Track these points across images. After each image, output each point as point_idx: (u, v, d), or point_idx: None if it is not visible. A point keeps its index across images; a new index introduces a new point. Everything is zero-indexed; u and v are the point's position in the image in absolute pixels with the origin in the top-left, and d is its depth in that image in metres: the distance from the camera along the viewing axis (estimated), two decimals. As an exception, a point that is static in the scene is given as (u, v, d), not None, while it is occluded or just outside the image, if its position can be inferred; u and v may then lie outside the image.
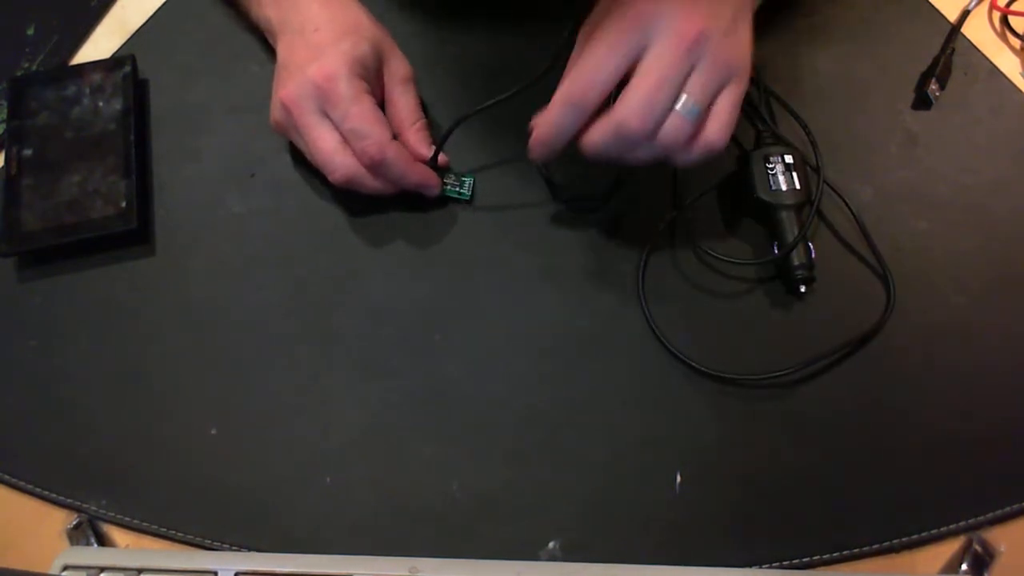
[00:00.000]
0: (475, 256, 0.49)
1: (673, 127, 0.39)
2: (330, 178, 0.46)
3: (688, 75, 0.39)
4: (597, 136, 0.40)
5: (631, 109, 0.39)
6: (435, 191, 0.49)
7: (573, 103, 0.40)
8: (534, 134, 0.43)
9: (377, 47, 0.47)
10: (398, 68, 0.49)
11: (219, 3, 0.56)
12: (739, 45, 0.40)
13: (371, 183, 0.47)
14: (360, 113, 0.45)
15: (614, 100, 0.40)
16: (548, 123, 0.42)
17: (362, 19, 0.48)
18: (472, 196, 0.50)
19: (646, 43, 0.39)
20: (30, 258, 0.50)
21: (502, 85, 0.47)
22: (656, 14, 0.38)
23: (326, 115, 0.45)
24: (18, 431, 0.46)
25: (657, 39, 0.38)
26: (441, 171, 0.50)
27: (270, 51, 0.51)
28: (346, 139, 0.46)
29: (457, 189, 0.50)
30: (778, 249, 0.47)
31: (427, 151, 0.49)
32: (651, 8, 0.38)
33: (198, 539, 0.43)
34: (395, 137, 0.48)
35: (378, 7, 0.53)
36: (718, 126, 0.40)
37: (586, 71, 0.40)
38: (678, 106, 0.39)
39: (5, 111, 0.52)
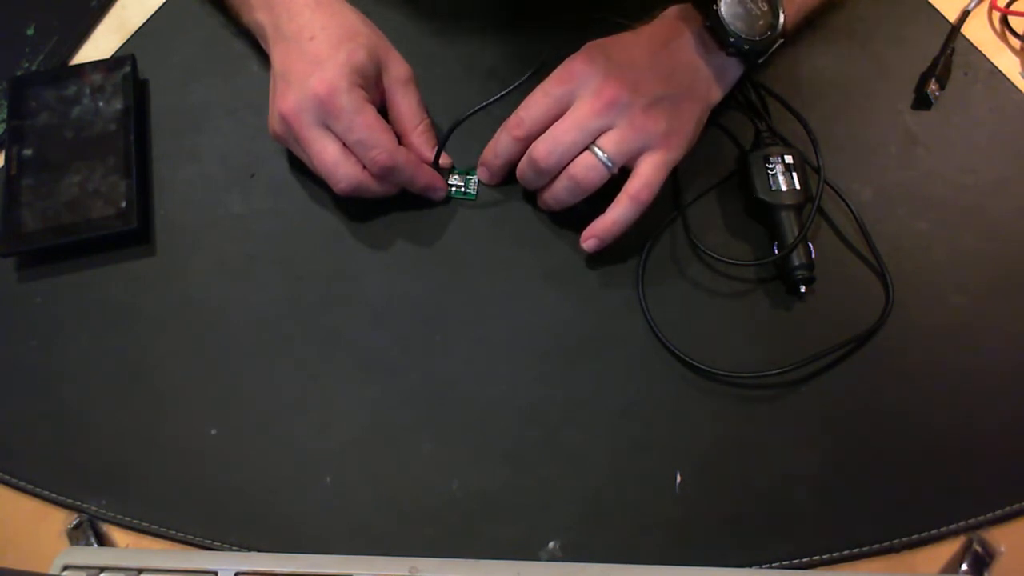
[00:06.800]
0: (475, 256, 0.49)
1: (585, 163, 0.45)
2: (335, 188, 0.46)
3: (604, 130, 0.45)
4: (521, 164, 0.47)
5: (540, 142, 0.46)
6: (442, 194, 0.50)
7: (507, 131, 0.47)
8: (480, 158, 0.50)
9: (374, 52, 0.47)
10: (397, 70, 0.49)
11: (210, 7, 0.56)
12: (660, 120, 0.45)
13: (376, 188, 0.47)
14: (365, 123, 0.45)
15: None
16: (489, 146, 0.49)
17: (357, 24, 0.48)
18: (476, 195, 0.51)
19: (574, 97, 0.45)
20: (30, 258, 0.50)
21: (501, 84, 0.48)
22: (585, 74, 0.45)
23: (327, 127, 0.45)
24: (18, 431, 0.46)
25: (580, 94, 0.45)
26: (444, 172, 0.50)
27: (270, 51, 0.51)
28: (352, 150, 0.46)
29: (463, 189, 0.50)
30: (778, 249, 0.47)
31: (432, 153, 0.49)
32: (583, 68, 0.45)
33: (198, 539, 0.43)
34: (400, 141, 0.48)
35: (377, 8, 0.54)
36: (640, 183, 0.45)
37: (522, 108, 0.47)
38: (592, 148, 0.45)
39: (5, 111, 0.52)
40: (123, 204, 0.49)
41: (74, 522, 0.44)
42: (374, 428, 0.45)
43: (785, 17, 0.46)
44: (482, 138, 0.49)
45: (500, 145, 0.48)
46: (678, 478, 0.44)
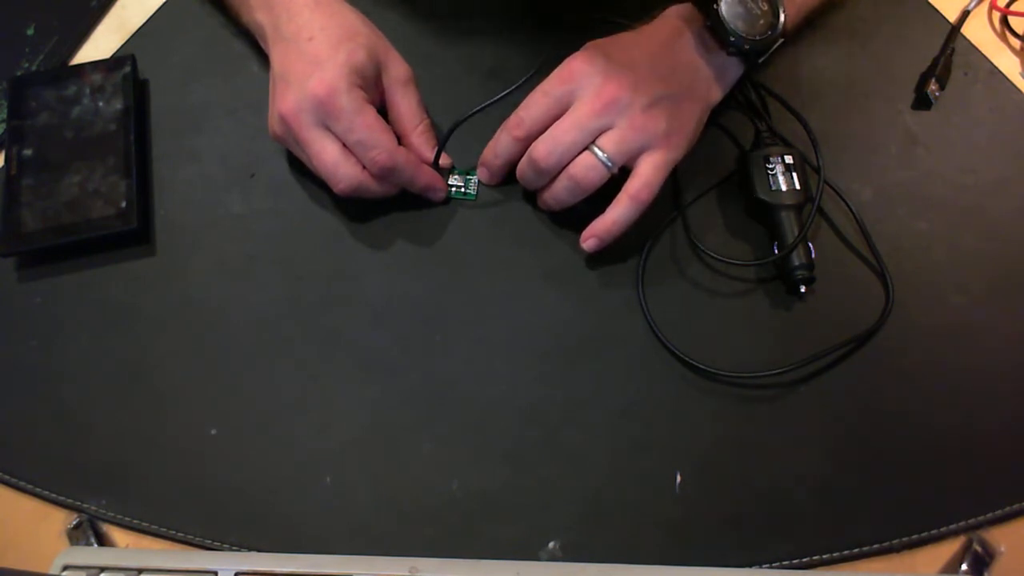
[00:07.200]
0: (475, 256, 0.49)
1: (585, 163, 0.45)
2: (335, 189, 0.46)
3: (604, 130, 0.44)
4: (521, 164, 0.47)
5: (540, 142, 0.46)
6: (442, 194, 0.50)
7: (507, 131, 0.47)
8: (480, 158, 0.50)
9: (373, 52, 0.47)
10: (397, 70, 0.48)
11: (210, 7, 0.56)
12: (660, 119, 0.45)
13: (376, 189, 0.47)
14: (364, 124, 0.45)
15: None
16: (489, 146, 0.49)
17: (356, 25, 0.48)
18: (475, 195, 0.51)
19: (574, 97, 0.45)
20: (30, 258, 0.50)
21: (501, 84, 0.48)
22: (585, 74, 0.45)
23: (327, 128, 0.45)
24: (18, 431, 0.46)
25: (580, 94, 0.45)
26: (444, 172, 0.50)
27: (270, 51, 0.51)
28: (352, 151, 0.46)
29: (463, 190, 0.50)
30: (778, 249, 0.47)
31: (432, 153, 0.49)
32: (583, 68, 0.45)
33: (198, 539, 0.43)
34: (400, 141, 0.48)
35: (377, 8, 0.54)
36: (640, 183, 0.45)
37: (522, 108, 0.47)
38: (592, 148, 0.45)
39: (5, 111, 0.52)
40: (123, 204, 0.49)
41: (74, 522, 0.44)
42: (374, 428, 0.45)
43: (785, 17, 0.46)
44: (482, 138, 0.49)
45: (500, 145, 0.48)
46: (678, 478, 0.44)
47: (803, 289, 0.47)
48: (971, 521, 0.43)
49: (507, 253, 0.49)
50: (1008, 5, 0.55)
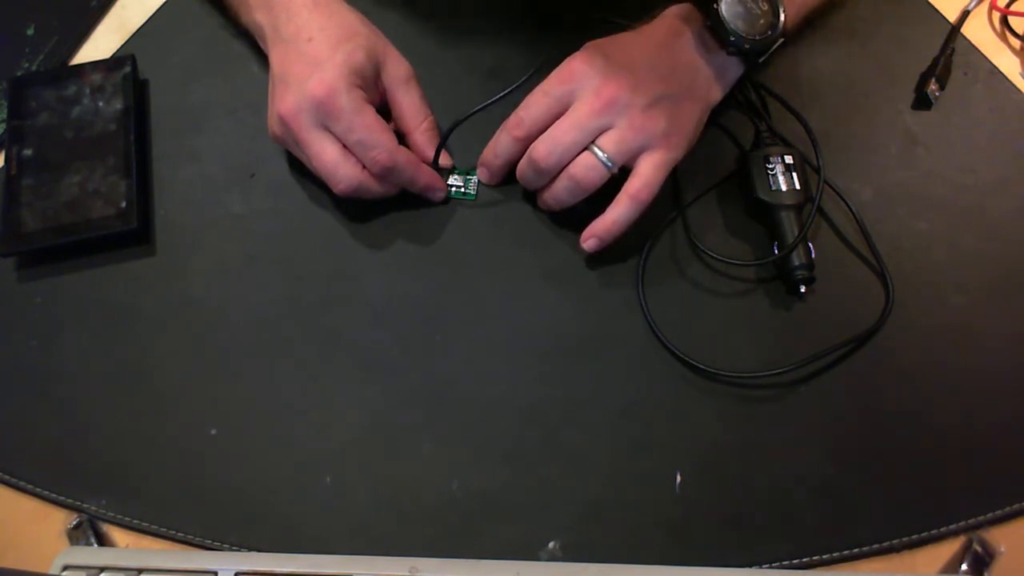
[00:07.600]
0: (475, 256, 0.49)
1: (585, 163, 0.45)
2: (335, 189, 0.46)
3: (604, 130, 0.45)
4: (521, 164, 0.47)
5: (539, 142, 0.46)
6: (442, 195, 0.50)
7: (507, 131, 0.47)
8: (480, 158, 0.50)
9: (372, 52, 0.47)
10: (397, 69, 0.49)
11: (210, 7, 0.56)
12: (660, 119, 0.45)
13: (376, 189, 0.47)
14: (364, 124, 0.45)
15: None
16: (488, 146, 0.49)
17: (355, 25, 0.48)
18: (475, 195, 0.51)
19: (573, 97, 0.45)
20: (30, 258, 0.50)
21: (501, 84, 0.48)
22: (585, 74, 0.45)
23: (326, 128, 0.45)
24: (18, 431, 0.46)
25: (580, 94, 0.45)
26: (444, 172, 0.50)
27: (270, 51, 0.51)
28: (352, 151, 0.46)
29: (463, 190, 0.50)
30: (778, 249, 0.47)
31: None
32: (582, 68, 0.45)
33: (198, 539, 0.43)
34: (403, 140, 0.48)
35: (377, 8, 0.54)
36: (640, 183, 0.45)
37: (522, 108, 0.47)
38: (592, 148, 0.45)
39: (5, 111, 0.52)
40: (123, 204, 0.49)
41: (74, 522, 0.44)
42: (374, 428, 0.45)
43: (785, 17, 0.46)
44: (482, 138, 0.49)
45: (500, 145, 0.48)
46: (678, 478, 0.44)
47: (803, 289, 0.47)
48: (971, 521, 0.43)
49: (507, 253, 0.49)
50: (1008, 5, 0.55)
